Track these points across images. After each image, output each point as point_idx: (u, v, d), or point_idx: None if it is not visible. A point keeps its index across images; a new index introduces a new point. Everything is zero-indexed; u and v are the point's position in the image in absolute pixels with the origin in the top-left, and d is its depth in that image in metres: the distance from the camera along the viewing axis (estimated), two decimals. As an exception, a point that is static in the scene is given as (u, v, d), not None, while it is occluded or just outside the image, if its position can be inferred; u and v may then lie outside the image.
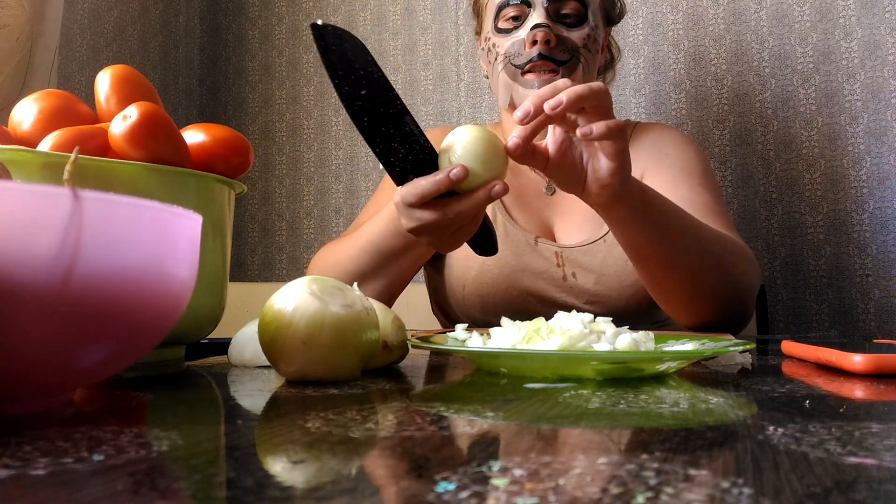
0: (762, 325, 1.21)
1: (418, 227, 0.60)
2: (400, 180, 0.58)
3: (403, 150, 0.55)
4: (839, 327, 1.26)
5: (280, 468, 0.21)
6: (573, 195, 0.64)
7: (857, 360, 0.39)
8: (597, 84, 0.57)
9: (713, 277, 0.75)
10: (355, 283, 0.43)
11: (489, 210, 0.93)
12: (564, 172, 0.62)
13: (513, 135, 0.58)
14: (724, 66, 1.36)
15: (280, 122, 1.66)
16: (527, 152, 0.59)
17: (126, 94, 0.52)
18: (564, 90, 0.56)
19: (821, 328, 1.27)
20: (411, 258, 0.79)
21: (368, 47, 1.74)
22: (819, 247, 1.28)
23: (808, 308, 1.28)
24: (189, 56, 1.70)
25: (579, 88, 0.56)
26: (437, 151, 0.57)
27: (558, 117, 0.58)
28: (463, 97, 1.53)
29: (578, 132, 0.57)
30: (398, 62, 1.58)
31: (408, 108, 0.54)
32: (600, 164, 0.61)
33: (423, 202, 0.57)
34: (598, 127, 0.56)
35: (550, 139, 0.62)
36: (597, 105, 0.57)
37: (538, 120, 0.57)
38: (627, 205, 0.64)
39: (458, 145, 0.55)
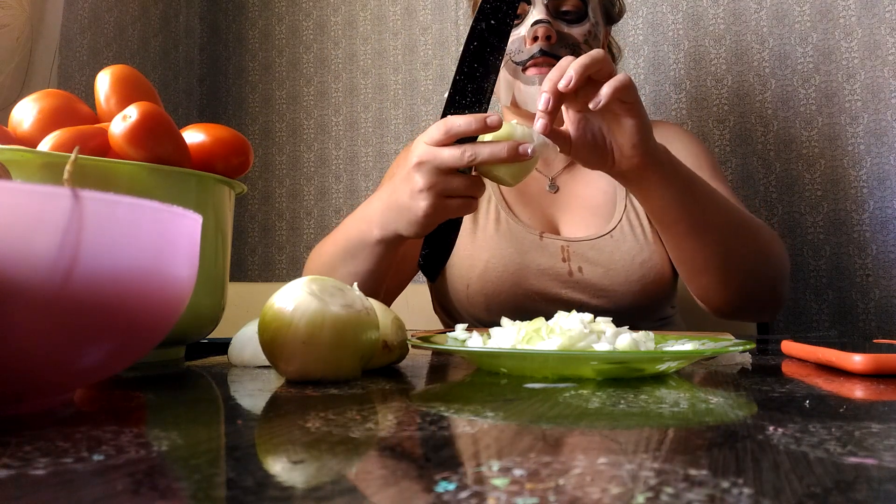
0: (762, 325, 1.21)
1: (436, 172, 0.61)
2: None
3: (468, 99, 0.62)
4: (839, 327, 1.26)
5: (280, 468, 0.21)
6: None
7: (857, 360, 0.39)
8: (595, 51, 0.61)
9: (744, 251, 0.75)
10: (355, 284, 0.43)
11: (492, 209, 0.93)
12: (588, 149, 0.65)
13: (537, 119, 0.61)
14: (724, 66, 1.36)
15: (280, 122, 1.66)
16: (553, 132, 0.63)
17: (126, 94, 0.52)
18: (569, 66, 0.60)
19: (821, 328, 1.27)
20: (386, 250, 0.75)
21: (368, 47, 1.73)
22: (819, 247, 1.28)
23: (808, 308, 1.28)
24: (189, 56, 1.70)
25: (582, 59, 0.60)
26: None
27: (572, 94, 0.61)
28: (463, 97, 1.53)
29: (591, 106, 0.60)
30: (398, 62, 1.58)
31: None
32: (622, 127, 0.63)
33: (450, 140, 0.60)
34: (604, 91, 0.60)
35: (567, 120, 0.65)
36: (600, 70, 0.60)
37: (556, 99, 0.61)
38: (657, 166, 0.66)
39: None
